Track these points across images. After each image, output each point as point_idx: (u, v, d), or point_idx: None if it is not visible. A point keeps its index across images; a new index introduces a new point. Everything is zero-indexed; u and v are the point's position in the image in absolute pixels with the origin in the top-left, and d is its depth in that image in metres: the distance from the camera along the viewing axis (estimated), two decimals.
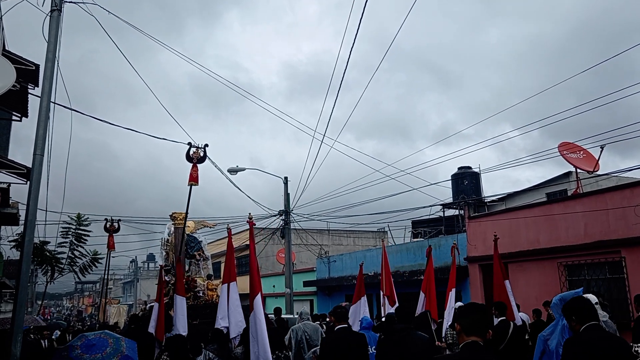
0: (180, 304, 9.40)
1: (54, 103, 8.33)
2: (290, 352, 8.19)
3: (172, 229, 15.45)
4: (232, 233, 8.90)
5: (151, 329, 9.72)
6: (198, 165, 11.72)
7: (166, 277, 12.36)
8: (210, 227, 16.33)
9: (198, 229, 15.67)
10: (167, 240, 15.74)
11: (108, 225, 16.81)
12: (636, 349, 4.38)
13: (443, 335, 8.68)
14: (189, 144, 11.92)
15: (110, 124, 11.13)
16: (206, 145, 12.07)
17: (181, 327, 9.08)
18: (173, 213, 15.37)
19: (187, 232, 14.54)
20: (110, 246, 17.30)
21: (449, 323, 8.73)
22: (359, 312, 9.93)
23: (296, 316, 12.51)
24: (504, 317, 7.77)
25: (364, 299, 10.19)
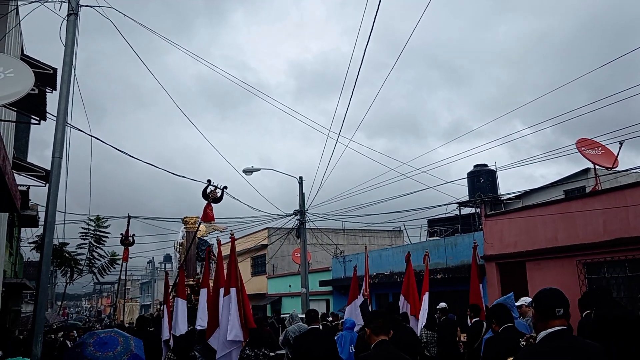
0: (181, 306, 9.50)
1: (70, 126, 8.42)
2: (269, 351, 8.31)
3: (185, 232, 15.67)
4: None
5: (165, 331, 9.74)
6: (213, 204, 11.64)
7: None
8: (221, 231, 16.51)
9: (209, 233, 15.82)
10: (181, 243, 15.98)
11: (124, 239, 17.28)
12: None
13: (418, 334, 8.83)
14: (208, 181, 11.74)
15: (131, 156, 10.99)
16: (225, 187, 11.92)
17: (183, 328, 9.16)
18: (185, 217, 15.57)
19: (198, 236, 14.71)
20: (124, 258, 18.20)
21: (423, 324, 9.15)
22: (354, 312, 10.44)
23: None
24: (478, 318, 8.33)
25: (357, 300, 10.76)
